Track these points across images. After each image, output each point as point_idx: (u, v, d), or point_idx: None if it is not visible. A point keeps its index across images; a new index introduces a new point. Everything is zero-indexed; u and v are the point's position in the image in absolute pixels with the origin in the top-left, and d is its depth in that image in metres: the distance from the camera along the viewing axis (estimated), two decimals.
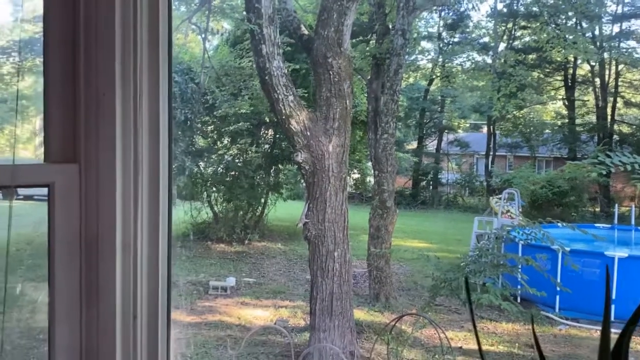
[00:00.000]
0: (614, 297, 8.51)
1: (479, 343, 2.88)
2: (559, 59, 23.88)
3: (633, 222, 13.35)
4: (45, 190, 1.08)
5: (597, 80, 24.98)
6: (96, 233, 0.97)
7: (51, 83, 0.98)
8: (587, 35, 22.06)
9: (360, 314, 8.34)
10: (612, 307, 8.88)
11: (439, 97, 28.47)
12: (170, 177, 1.03)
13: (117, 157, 0.97)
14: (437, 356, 6.75)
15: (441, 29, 26.67)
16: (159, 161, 1.00)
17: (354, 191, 23.14)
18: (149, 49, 0.98)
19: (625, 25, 24.18)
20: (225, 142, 14.99)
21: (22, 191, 1.12)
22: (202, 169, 14.45)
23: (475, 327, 2.87)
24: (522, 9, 25.20)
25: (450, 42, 26.30)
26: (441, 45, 26.44)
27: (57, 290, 0.95)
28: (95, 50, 0.97)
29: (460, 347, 7.32)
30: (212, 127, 14.81)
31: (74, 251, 0.96)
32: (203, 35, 11.50)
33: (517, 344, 7.71)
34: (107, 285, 0.97)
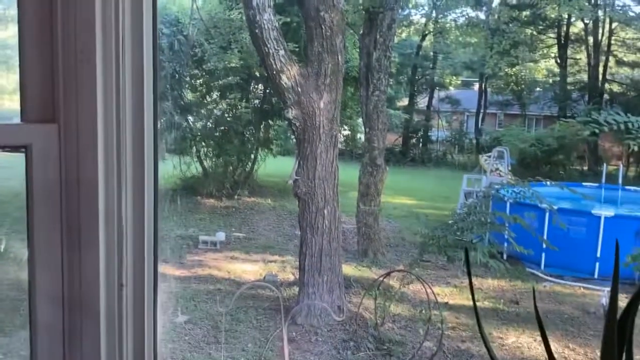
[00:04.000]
0: (598, 255, 8.65)
1: (477, 315, 2.91)
2: (553, 16, 23.61)
3: (620, 181, 13.46)
4: None
5: (590, 38, 24.77)
6: (77, 199, 0.92)
7: (27, 37, 0.91)
8: None
9: (348, 270, 8.42)
10: (597, 264, 9.02)
11: (431, 54, 28.17)
12: (156, 136, 0.97)
13: (99, 116, 0.91)
14: (424, 311, 6.86)
15: None
16: (143, 119, 0.94)
17: (344, 148, 23.09)
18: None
19: None
20: (215, 96, 14.79)
21: None
22: (191, 123, 14.29)
23: (474, 297, 2.89)
24: None
25: None
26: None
27: (37, 246, 0.91)
28: (74, 0, 0.90)
29: (447, 303, 7.45)
30: (201, 80, 14.58)
31: (55, 215, 0.92)
32: None
33: (502, 300, 7.86)
34: (91, 247, 0.93)
